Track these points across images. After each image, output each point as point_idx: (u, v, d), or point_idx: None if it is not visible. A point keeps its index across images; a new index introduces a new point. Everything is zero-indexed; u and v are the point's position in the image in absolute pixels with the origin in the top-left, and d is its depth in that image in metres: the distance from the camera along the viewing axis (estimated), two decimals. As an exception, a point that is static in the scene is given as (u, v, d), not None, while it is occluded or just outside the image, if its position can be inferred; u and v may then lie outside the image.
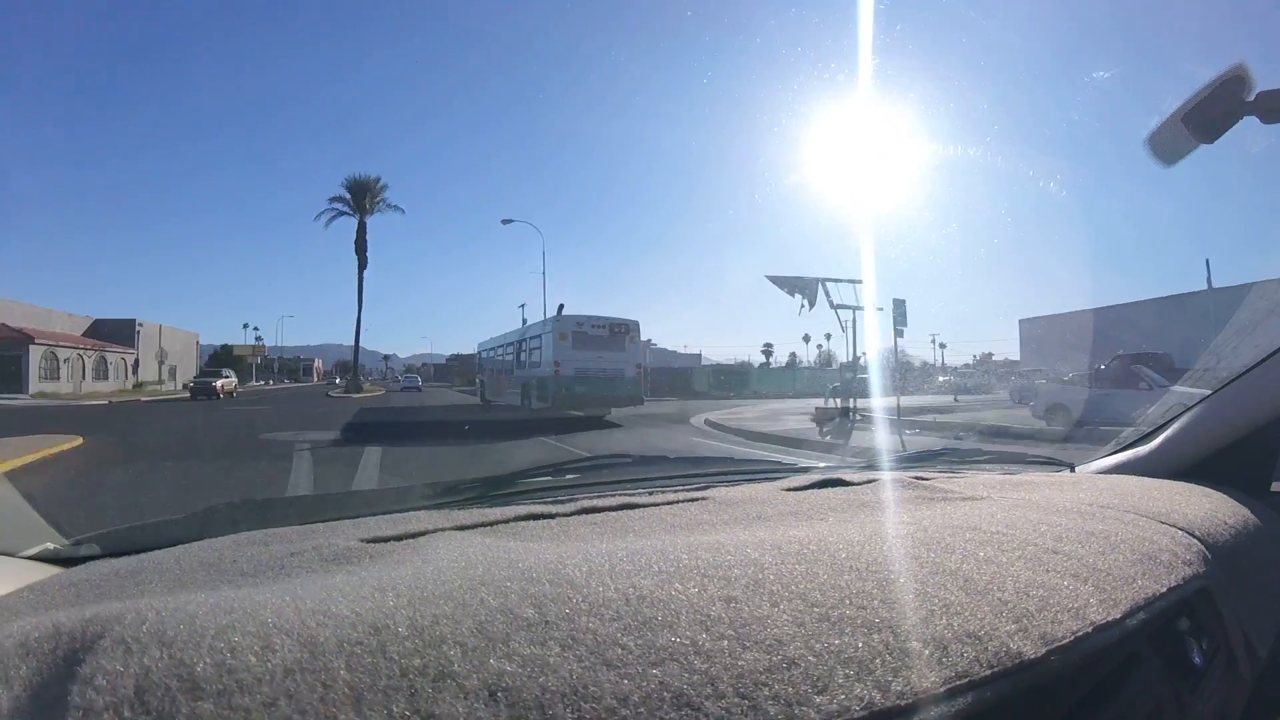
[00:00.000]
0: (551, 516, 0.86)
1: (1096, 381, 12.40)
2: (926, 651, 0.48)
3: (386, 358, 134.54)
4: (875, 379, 13.00)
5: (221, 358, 70.93)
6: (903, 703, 0.44)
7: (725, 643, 0.45)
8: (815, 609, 0.51)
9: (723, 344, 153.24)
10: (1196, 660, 0.71)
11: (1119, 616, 0.61)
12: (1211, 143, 1.21)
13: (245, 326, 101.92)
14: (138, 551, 0.77)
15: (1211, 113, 1.18)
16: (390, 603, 0.48)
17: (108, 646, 0.42)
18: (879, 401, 13.04)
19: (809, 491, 1.05)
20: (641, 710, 0.40)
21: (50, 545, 0.88)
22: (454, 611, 0.47)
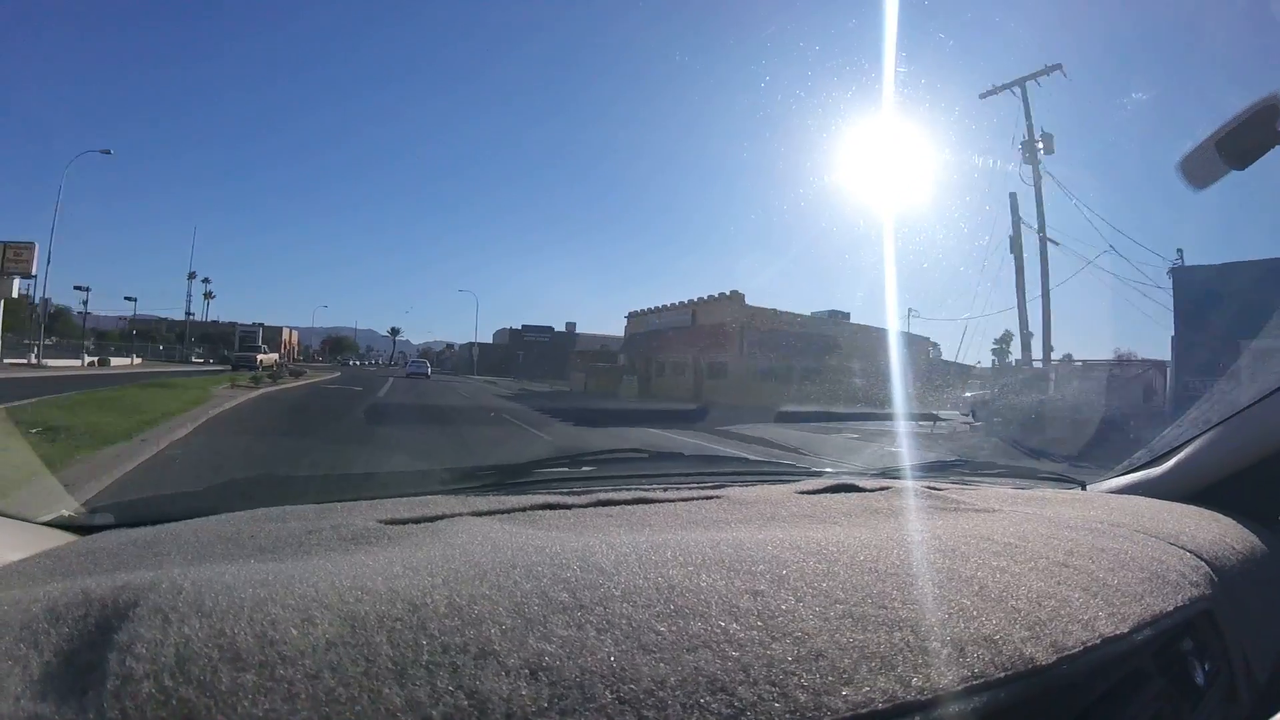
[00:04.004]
0: (568, 507, 0.87)
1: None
2: (945, 651, 0.50)
3: (395, 331, 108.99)
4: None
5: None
6: (923, 698, 0.46)
7: (755, 633, 0.47)
8: (838, 605, 0.53)
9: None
10: (1198, 680, 0.73)
11: (1126, 631, 0.62)
12: (1243, 169, 1.22)
13: (191, 277, 58.49)
14: (154, 522, 0.77)
15: (1244, 140, 1.19)
16: (426, 581, 0.49)
17: (144, 615, 0.42)
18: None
19: (822, 495, 1.06)
20: (678, 693, 0.41)
21: (65, 512, 0.88)
22: (490, 592, 0.48)
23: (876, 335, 20.78)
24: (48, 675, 0.39)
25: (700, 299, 28.91)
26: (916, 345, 24.21)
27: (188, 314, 56.16)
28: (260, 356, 30.47)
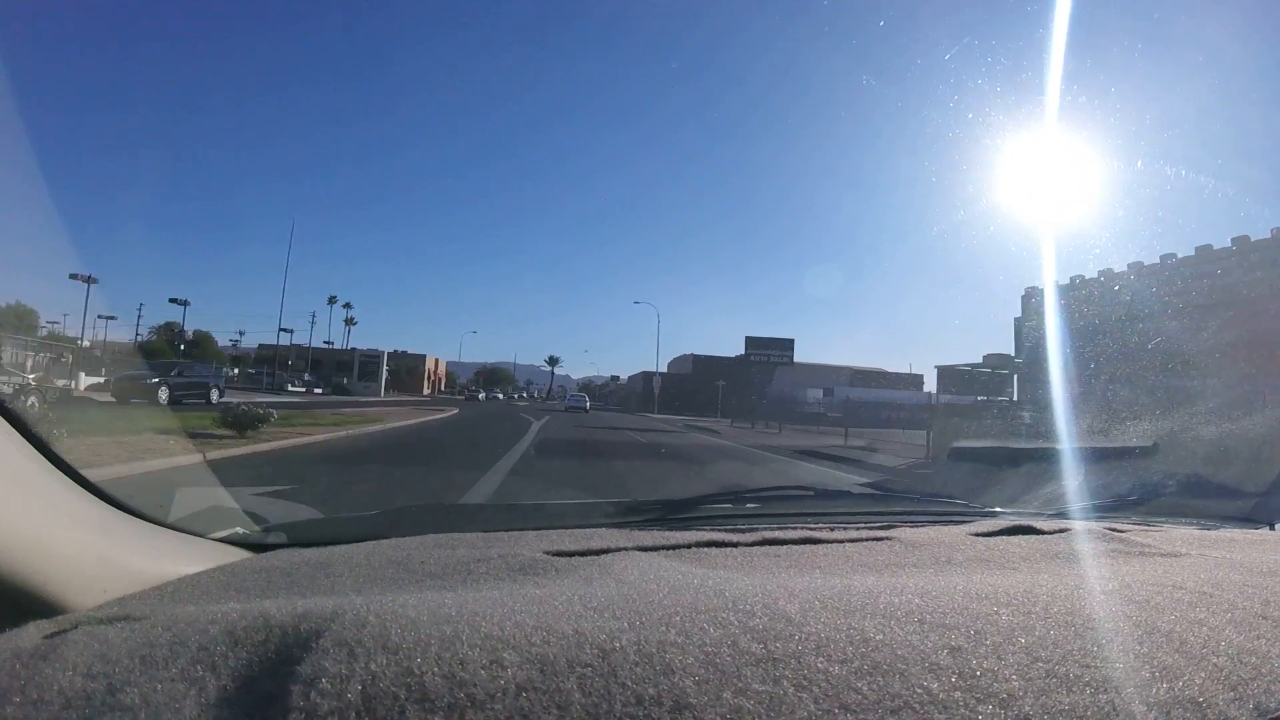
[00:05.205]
0: (734, 545, 0.86)
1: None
2: (1151, 716, 0.46)
3: (553, 361, 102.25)
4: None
5: None
6: None
7: (958, 694, 0.45)
8: (1039, 664, 0.49)
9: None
10: None
11: None
12: None
13: (332, 301, 67.67)
14: (326, 544, 0.81)
15: None
16: (612, 624, 0.48)
17: (328, 647, 0.41)
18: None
19: (998, 538, 1.00)
20: None
21: (240, 530, 0.94)
22: (679, 639, 0.47)
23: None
24: (224, 701, 0.38)
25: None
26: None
27: (280, 330, 51.12)
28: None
